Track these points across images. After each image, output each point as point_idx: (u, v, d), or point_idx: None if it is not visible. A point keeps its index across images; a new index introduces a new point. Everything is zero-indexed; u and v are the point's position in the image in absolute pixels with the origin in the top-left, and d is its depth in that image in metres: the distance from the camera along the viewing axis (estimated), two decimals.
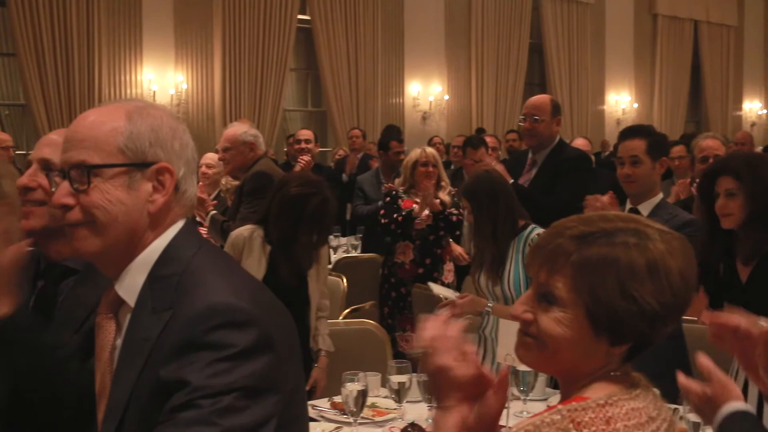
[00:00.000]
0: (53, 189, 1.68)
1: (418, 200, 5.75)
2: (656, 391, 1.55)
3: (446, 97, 14.70)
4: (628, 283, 1.43)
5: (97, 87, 10.98)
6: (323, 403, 3.40)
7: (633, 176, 3.92)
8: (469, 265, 4.74)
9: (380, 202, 6.64)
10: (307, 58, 13.84)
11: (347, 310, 5.46)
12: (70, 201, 1.62)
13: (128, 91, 11.32)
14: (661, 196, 4.02)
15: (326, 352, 4.21)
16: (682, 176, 6.12)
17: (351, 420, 3.05)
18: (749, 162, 3.43)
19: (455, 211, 5.78)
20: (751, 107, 20.69)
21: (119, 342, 1.66)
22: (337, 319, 4.86)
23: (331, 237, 7.60)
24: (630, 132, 4.08)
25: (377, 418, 3.22)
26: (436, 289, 4.38)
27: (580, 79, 16.56)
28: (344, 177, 8.83)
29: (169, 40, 11.80)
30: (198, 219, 5.47)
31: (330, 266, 6.27)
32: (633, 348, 1.50)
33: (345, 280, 5.64)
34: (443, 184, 5.86)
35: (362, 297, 6.04)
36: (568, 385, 1.53)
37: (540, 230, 3.94)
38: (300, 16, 12.87)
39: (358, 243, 7.84)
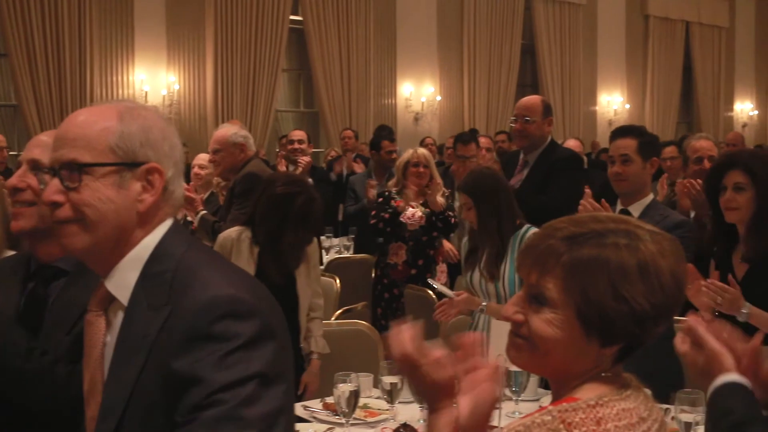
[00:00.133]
0: (42, 187, 1.69)
1: (412, 202, 5.75)
2: (647, 391, 1.56)
3: (438, 98, 14.71)
4: (619, 284, 1.43)
5: (89, 87, 10.95)
6: (315, 404, 3.40)
7: (623, 175, 3.93)
8: (461, 267, 4.75)
9: (365, 200, 6.66)
10: (299, 59, 13.83)
11: (339, 311, 5.46)
12: (60, 198, 1.63)
13: (120, 91, 11.30)
14: (652, 196, 4.02)
15: (319, 354, 4.20)
16: (674, 177, 6.13)
17: (343, 421, 3.05)
18: (762, 157, 3.44)
19: (451, 213, 5.80)
20: (743, 108, 20.76)
21: (109, 339, 1.67)
22: (330, 320, 4.86)
23: (324, 238, 7.60)
24: (621, 131, 4.09)
25: (369, 419, 3.22)
26: (436, 286, 4.41)
27: (572, 80, 16.58)
28: (332, 176, 8.83)
29: (161, 40, 11.78)
30: (189, 218, 5.46)
31: (322, 267, 6.27)
32: (624, 349, 1.50)
33: (338, 281, 5.64)
34: (437, 185, 5.86)
35: (354, 298, 6.05)
36: (559, 386, 1.53)
37: (535, 230, 3.95)
38: (292, 17, 12.86)
39: (351, 244, 7.84)
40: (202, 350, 1.50)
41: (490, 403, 1.54)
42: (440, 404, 1.55)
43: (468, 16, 14.92)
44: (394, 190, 5.91)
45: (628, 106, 17.91)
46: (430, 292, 5.48)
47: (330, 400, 3.25)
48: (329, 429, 3.13)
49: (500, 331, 1.59)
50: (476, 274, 4.14)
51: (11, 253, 2.47)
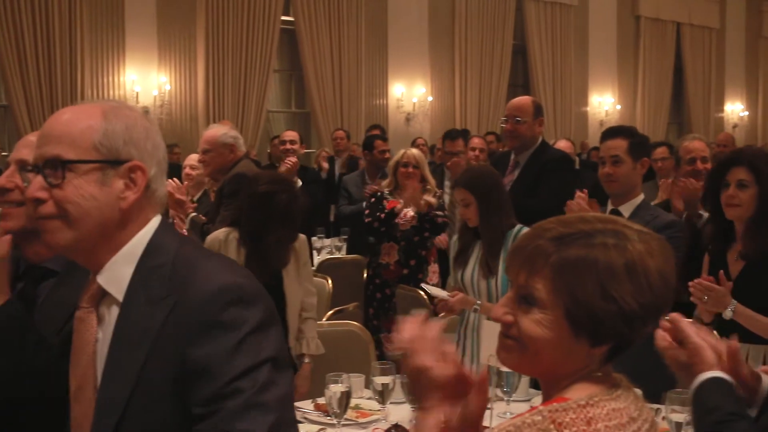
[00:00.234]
0: (26, 184, 1.71)
1: (402, 201, 5.75)
2: (638, 391, 1.55)
3: (430, 98, 14.72)
4: (607, 284, 1.43)
5: (80, 88, 10.93)
6: (307, 405, 3.39)
7: (614, 176, 3.94)
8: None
9: (364, 203, 6.65)
10: (290, 59, 13.82)
11: (331, 312, 5.46)
12: (43, 195, 1.64)
13: (111, 92, 11.28)
14: (642, 197, 4.03)
15: (311, 357, 4.18)
16: (666, 178, 6.14)
17: (334, 421, 3.05)
18: (766, 156, 3.45)
19: (440, 213, 5.79)
20: (733, 109, 20.83)
21: (101, 335, 1.68)
22: (321, 320, 4.85)
23: (315, 238, 7.60)
24: (611, 132, 4.10)
25: (361, 420, 3.22)
26: (430, 289, 4.40)
27: (563, 81, 16.61)
28: (322, 174, 8.84)
29: (152, 41, 11.76)
30: (176, 221, 5.44)
31: (313, 268, 6.26)
32: (613, 348, 1.50)
33: (330, 282, 5.64)
34: (428, 186, 5.86)
35: (346, 298, 6.05)
36: (549, 386, 1.53)
37: (527, 230, 3.96)
38: (283, 17, 12.85)
39: (342, 244, 7.84)
40: (215, 339, 1.55)
41: (479, 414, 1.53)
42: (432, 403, 1.54)
43: (459, 17, 14.94)
44: (386, 190, 5.91)
45: (619, 106, 17.94)
46: (422, 292, 5.49)
47: (321, 400, 3.24)
48: (321, 430, 3.13)
49: (491, 331, 1.58)
50: (467, 273, 4.14)
51: None
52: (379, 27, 13.99)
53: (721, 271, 3.40)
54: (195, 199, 6.18)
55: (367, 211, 5.94)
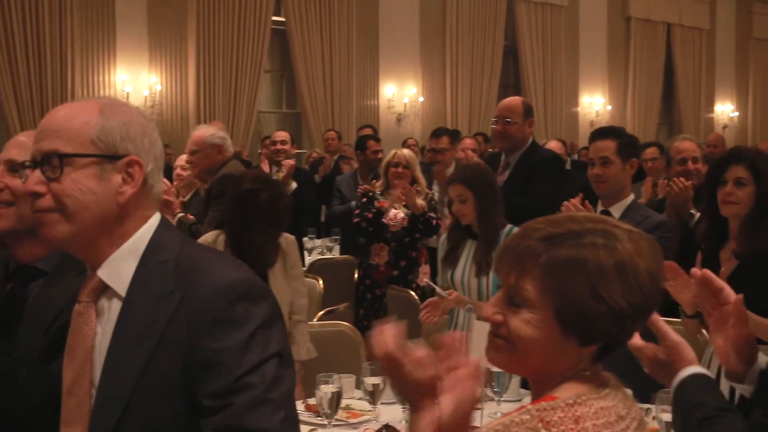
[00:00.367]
0: (24, 180, 1.71)
1: (395, 203, 5.75)
2: (628, 391, 1.56)
3: (421, 98, 14.73)
4: (596, 284, 1.44)
5: (70, 88, 10.91)
6: (298, 405, 3.38)
7: (603, 176, 3.95)
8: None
9: (353, 202, 6.65)
10: (281, 60, 13.81)
11: (321, 312, 5.46)
12: (41, 189, 1.65)
13: (101, 92, 11.25)
14: (632, 197, 4.04)
15: (301, 363, 4.15)
16: (656, 178, 6.15)
17: (325, 422, 3.05)
18: (766, 156, 3.47)
19: (434, 215, 5.79)
20: (723, 110, 20.89)
21: (99, 330, 1.68)
22: (312, 321, 4.85)
23: (306, 239, 7.60)
24: (601, 133, 4.11)
25: (352, 420, 3.22)
26: (431, 284, 4.40)
27: (554, 82, 16.64)
28: (317, 178, 8.83)
29: (143, 41, 11.74)
30: None
31: (304, 268, 6.25)
32: (603, 348, 1.51)
33: (321, 282, 5.63)
34: (418, 188, 5.85)
35: (337, 299, 6.04)
36: (538, 385, 1.54)
37: (517, 230, 3.97)
38: (274, 18, 12.85)
39: (333, 245, 7.84)
40: (226, 334, 1.58)
41: (471, 401, 1.54)
42: (422, 404, 1.55)
43: (450, 18, 14.95)
44: (378, 190, 5.91)
45: (609, 107, 17.98)
46: (412, 293, 5.49)
47: (312, 401, 3.24)
48: (311, 430, 3.13)
49: (482, 331, 1.59)
50: (458, 272, 4.14)
51: None
52: (370, 27, 13.99)
53: (722, 270, 3.41)
54: (186, 199, 6.17)
55: (356, 212, 5.94)
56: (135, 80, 11.64)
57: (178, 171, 6.49)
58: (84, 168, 1.65)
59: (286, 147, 7.32)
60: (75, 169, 1.65)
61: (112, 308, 1.68)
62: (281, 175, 6.67)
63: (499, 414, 3.11)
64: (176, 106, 12.06)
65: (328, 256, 7.54)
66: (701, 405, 1.83)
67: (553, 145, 7.97)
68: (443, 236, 4.38)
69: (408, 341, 1.60)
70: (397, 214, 5.73)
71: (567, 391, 1.47)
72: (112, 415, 1.60)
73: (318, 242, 8.03)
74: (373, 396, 3.12)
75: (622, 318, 1.46)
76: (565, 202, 3.99)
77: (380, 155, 7.28)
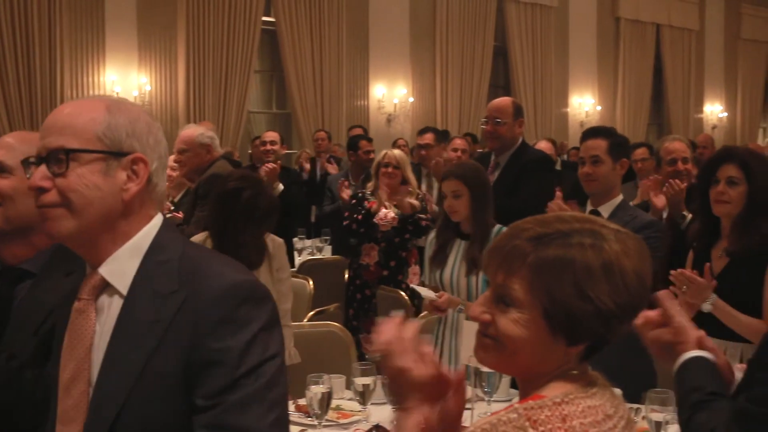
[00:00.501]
0: (29, 176, 1.71)
1: (385, 202, 5.75)
2: (618, 391, 1.57)
3: (411, 99, 14.72)
4: (584, 284, 1.44)
5: (59, 88, 10.84)
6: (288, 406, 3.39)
7: (593, 175, 3.97)
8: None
9: (340, 202, 6.66)
10: (271, 60, 13.79)
11: (312, 312, 5.45)
12: (46, 184, 1.66)
13: (91, 92, 11.17)
14: (621, 197, 4.06)
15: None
16: (646, 178, 6.17)
17: (315, 422, 3.05)
18: (759, 155, 3.50)
19: (423, 216, 5.78)
20: (712, 110, 20.95)
21: (98, 328, 1.68)
22: (302, 321, 4.84)
23: (296, 239, 7.59)
24: (591, 132, 4.13)
25: (342, 421, 3.22)
26: (418, 289, 4.38)
27: (543, 82, 16.65)
28: (304, 175, 8.83)
29: (133, 41, 11.69)
30: None
31: (294, 269, 6.25)
32: (590, 347, 1.52)
33: (311, 282, 5.63)
34: (410, 188, 5.86)
35: (327, 299, 6.04)
36: (526, 384, 1.54)
37: (505, 230, 3.97)
38: (264, 18, 12.82)
39: (323, 245, 7.84)
40: (229, 334, 1.59)
41: (457, 414, 1.54)
42: (412, 403, 1.54)
43: (440, 18, 14.95)
44: (369, 191, 5.91)
45: (599, 107, 18.01)
46: (403, 293, 5.49)
47: (302, 401, 3.24)
48: (302, 431, 3.12)
49: (471, 331, 1.59)
50: (447, 272, 4.14)
51: None
52: (360, 28, 13.98)
53: (707, 264, 3.43)
54: (176, 200, 6.16)
55: (346, 213, 5.94)
56: (124, 80, 11.59)
57: (168, 171, 6.46)
58: (89, 164, 1.66)
59: (276, 147, 7.31)
60: (80, 165, 1.66)
61: (113, 306, 1.68)
62: (262, 176, 6.63)
63: (489, 414, 3.10)
64: (166, 107, 12.02)
65: (318, 256, 7.54)
66: (698, 388, 1.84)
67: (542, 145, 7.99)
68: (431, 235, 4.37)
69: (419, 335, 1.59)
70: (387, 213, 5.73)
71: (554, 390, 1.47)
72: (109, 414, 1.60)
73: (308, 242, 8.03)
74: (363, 396, 3.12)
75: (608, 318, 1.46)
76: (549, 204, 4.02)
77: (372, 155, 7.29)
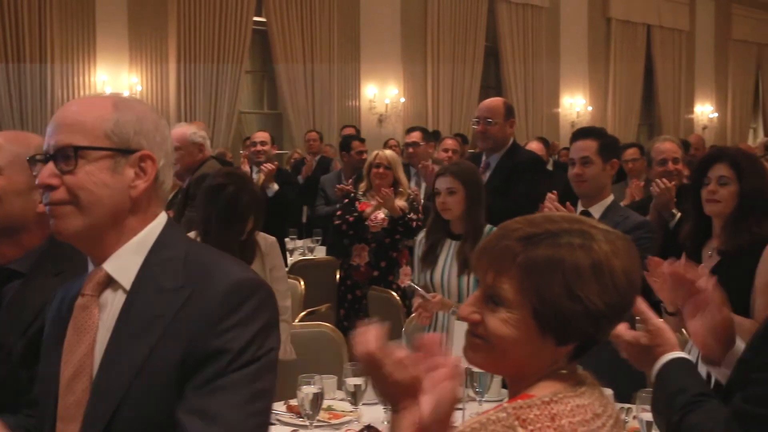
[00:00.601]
0: (35, 174, 1.72)
1: (374, 203, 5.75)
2: (609, 391, 1.57)
3: (402, 99, 14.73)
4: (573, 284, 1.45)
5: (50, 89, 10.82)
6: (279, 406, 3.38)
7: (583, 176, 3.98)
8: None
9: (337, 204, 6.65)
10: (262, 61, 13.78)
11: (303, 313, 5.45)
12: (54, 181, 1.66)
13: (81, 93, 11.15)
14: (612, 197, 4.07)
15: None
16: (637, 179, 6.18)
17: (307, 423, 3.04)
18: (749, 155, 3.52)
19: (414, 216, 5.78)
20: (703, 110, 21.00)
21: (101, 324, 1.68)
22: (294, 321, 4.84)
23: (288, 239, 7.58)
24: (582, 133, 4.14)
25: (333, 421, 3.21)
26: (413, 286, 4.37)
27: (535, 82, 16.67)
28: (300, 179, 8.82)
29: (123, 41, 11.66)
30: None
31: (286, 269, 6.24)
32: (579, 347, 1.52)
33: (302, 283, 5.63)
34: (401, 188, 5.85)
35: (319, 299, 6.04)
36: (515, 384, 1.55)
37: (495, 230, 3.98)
38: (255, 18, 12.80)
39: (315, 245, 7.83)
40: (228, 331, 1.60)
41: (451, 401, 1.55)
42: (403, 405, 1.55)
43: (431, 19, 14.96)
44: (361, 191, 5.91)
45: (590, 108, 18.04)
46: (393, 293, 5.49)
47: (294, 402, 3.23)
48: (293, 431, 3.12)
49: (462, 331, 1.60)
50: (438, 272, 4.14)
51: None
52: (351, 28, 13.98)
53: (702, 265, 3.44)
54: (167, 199, 6.14)
55: (338, 213, 5.94)
56: (115, 80, 11.56)
57: None
58: (98, 161, 1.67)
59: (266, 148, 7.29)
60: (89, 162, 1.66)
61: (116, 302, 1.69)
62: (260, 178, 6.63)
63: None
64: (157, 107, 11.97)
65: (309, 257, 7.53)
66: (683, 390, 1.84)
67: (533, 146, 8.01)
68: (421, 235, 4.36)
69: (389, 342, 1.60)
70: (377, 215, 5.72)
71: (543, 390, 1.48)
72: (109, 407, 1.61)
73: (299, 243, 8.02)
74: (354, 397, 3.12)
75: (598, 318, 1.47)
76: (546, 203, 4.02)
77: (364, 156, 7.29)
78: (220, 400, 1.57)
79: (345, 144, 7.85)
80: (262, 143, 7.32)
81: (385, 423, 3.00)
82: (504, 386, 3.48)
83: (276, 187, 6.55)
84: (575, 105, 17.81)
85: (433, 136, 8.41)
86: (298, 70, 13.16)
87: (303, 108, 13.25)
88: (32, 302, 2.06)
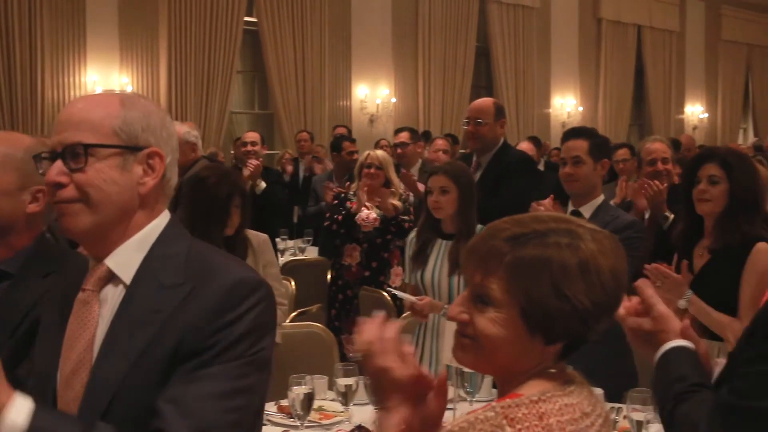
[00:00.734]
0: (41, 172, 1.72)
1: (367, 203, 5.74)
2: (599, 390, 1.57)
3: (393, 99, 14.73)
4: (561, 283, 1.46)
5: (40, 89, 10.78)
6: (270, 407, 3.38)
7: (574, 176, 3.99)
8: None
9: (323, 203, 6.66)
10: (253, 61, 13.76)
11: (294, 313, 5.44)
12: (63, 179, 1.66)
13: (72, 93, 11.12)
14: (602, 197, 4.08)
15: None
16: (628, 179, 6.20)
17: (298, 423, 3.04)
18: (739, 154, 3.55)
19: (405, 218, 5.78)
20: (693, 111, 21.06)
21: (101, 319, 1.68)
22: (285, 322, 4.84)
23: (278, 240, 7.58)
24: (573, 133, 4.15)
25: (324, 421, 3.22)
26: (398, 293, 4.37)
27: (526, 83, 16.70)
28: (285, 177, 8.82)
29: (114, 41, 11.63)
30: None
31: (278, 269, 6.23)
32: (567, 346, 1.52)
33: (293, 283, 5.62)
34: (392, 189, 5.85)
35: (310, 300, 6.04)
36: (504, 383, 1.56)
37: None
38: (247, 18, 12.79)
39: (305, 246, 7.83)
40: (222, 327, 1.60)
41: (438, 416, 1.54)
42: (393, 403, 1.55)
43: (423, 19, 14.96)
44: (352, 191, 5.91)
45: (581, 108, 18.07)
46: (385, 294, 5.49)
47: (284, 402, 3.23)
48: (284, 431, 3.12)
49: (452, 331, 1.60)
50: (428, 272, 4.13)
51: None
52: (342, 28, 13.97)
53: (685, 261, 3.46)
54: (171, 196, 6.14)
55: (328, 213, 5.94)
56: (106, 80, 11.53)
57: None
58: (107, 159, 1.67)
59: (256, 148, 7.29)
60: (98, 160, 1.66)
61: (116, 298, 1.69)
62: (246, 175, 6.63)
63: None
64: None
65: (300, 257, 7.53)
66: (681, 379, 1.84)
67: (524, 146, 8.02)
68: (412, 234, 4.36)
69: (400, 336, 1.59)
70: (369, 214, 5.72)
71: (532, 389, 1.48)
72: (105, 398, 1.61)
73: (290, 243, 8.02)
74: (345, 397, 3.12)
75: (585, 317, 1.48)
76: (534, 203, 4.03)
77: (355, 156, 7.30)
78: (198, 389, 1.56)
79: (336, 144, 7.86)
80: (253, 143, 7.32)
81: (375, 422, 3.00)
82: (495, 386, 3.49)
83: (263, 185, 6.56)
84: (566, 105, 17.84)
85: (421, 136, 8.41)
86: (290, 70, 13.15)
87: (294, 108, 13.24)
88: (21, 303, 2.05)
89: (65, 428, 1.54)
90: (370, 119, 14.44)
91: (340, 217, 5.75)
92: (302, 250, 7.78)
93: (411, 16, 14.92)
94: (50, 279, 2.12)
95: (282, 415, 3.27)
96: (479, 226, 4.06)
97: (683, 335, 1.92)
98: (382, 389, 1.54)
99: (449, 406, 1.92)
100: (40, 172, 1.72)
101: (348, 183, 6.65)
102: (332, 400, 3.36)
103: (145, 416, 1.58)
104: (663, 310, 1.90)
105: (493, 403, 1.45)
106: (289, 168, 9.17)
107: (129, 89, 11.70)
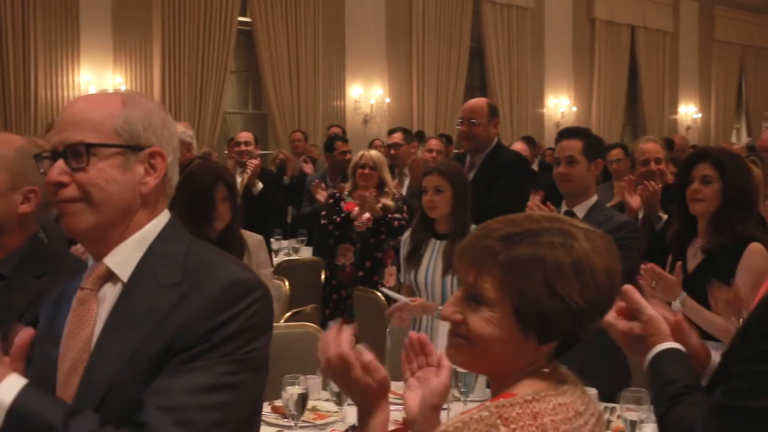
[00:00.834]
0: (42, 171, 1.71)
1: (359, 203, 5.74)
2: (593, 390, 1.58)
3: (387, 99, 14.73)
4: (554, 282, 1.46)
5: (33, 89, 10.75)
6: (264, 407, 3.37)
7: (568, 175, 3.99)
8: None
9: (317, 203, 6.66)
10: (247, 61, 13.75)
11: (288, 313, 5.44)
12: (65, 179, 1.66)
13: (65, 93, 11.10)
14: (596, 197, 4.08)
15: None
16: (621, 179, 6.20)
17: (292, 423, 3.04)
18: (732, 154, 3.57)
19: (398, 216, 5.77)
20: (687, 111, 21.10)
21: (99, 318, 1.68)
22: (279, 322, 4.83)
23: (273, 240, 7.58)
24: (567, 133, 4.16)
25: (318, 422, 3.21)
26: (390, 293, 4.36)
27: (519, 83, 16.71)
28: (285, 179, 8.81)
29: (107, 41, 11.61)
30: None
31: (271, 269, 6.23)
32: (561, 345, 1.53)
33: (287, 283, 5.62)
34: (386, 189, 5.85)
35: (304, 300, 6.03)
36: (498, 383, 1.56)
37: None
38: (240, 18, 12.77)
39: (299, 246, 7.83)
40: (216, 326, 1.59)
41: (438, 394, 1.56)
42: (372, 405, 1.56)
43: (416, 19, 14.97)
44: (346, 192, 5.91)
45: (575, 108, 18.09)
46: (379, 294, 5.49)
47: (278, 402, 3.23)
48: None
49: (446, 331, 1.60)
50: (422, 272, 4.13)
51: None
52: (336, 28, 13.97)
53: (679, 263, 3.47)
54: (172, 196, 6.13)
55: (323, 213, 5.94)
56: (99, 80, 11.51)
57: None
58: (109, 158, 1.67)
59: (250, 148, 7.29)
60: (100, 159, 1.66)
61: (114, 296, 1.69)
62: (246, 175, 6.63)
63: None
64: None
65: (294, 257, 7.53)
66: (672, 381, 1.85)
67: (518, 146, 8.03)
68: (406, 234, 4.36)
69: (356, 345, 1.61)
70: (363, 214, 5.72)
71: (525, 388, 1.48)
72: (98, 394, 1.60)
73: (284, 243, 8.02)
74: (339, 397, 3.12)
75: (579, 316, 1.48)
76: (530, 203, 4.04)
77: (348, 156, 7.29)
78: (182, 382, 1.55)
79: (328, 144, 7.86)
80: (246, 143, 7.31)
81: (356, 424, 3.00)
82: (489, 386, 3.49)
83: (260, 185, 6.56)
84: (560, 105, 17.85)
85: (414, 137, 8.41)
86: (283, 71, 13.14)
87: (288, 108, 13.23)
88: (14, 304, 2.04)
89: (50, 411, 1.52)
90: (364, 119, 14.44)
91: (338, 219, 5.75)
92: (296, 250, 7.78)
93: (405, 16, 14.93)
94: (44, 280, 2.12)
95: (276, 416, 3.27)
96: (473, 226, 4.06)
97: (677, 329, 1.93)
98: (356, 397, 1.57)
99: (443, 406, 1.92)
100: (41, 171, 1.72)
101: (342, 183, 6.65)
102: (326, 400, 3.36)
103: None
104: (652, 314, 1.91)
105: (488, 403, 1.45)
106: (308, 167, 9.15)
107: (123, 89, 11.66)
